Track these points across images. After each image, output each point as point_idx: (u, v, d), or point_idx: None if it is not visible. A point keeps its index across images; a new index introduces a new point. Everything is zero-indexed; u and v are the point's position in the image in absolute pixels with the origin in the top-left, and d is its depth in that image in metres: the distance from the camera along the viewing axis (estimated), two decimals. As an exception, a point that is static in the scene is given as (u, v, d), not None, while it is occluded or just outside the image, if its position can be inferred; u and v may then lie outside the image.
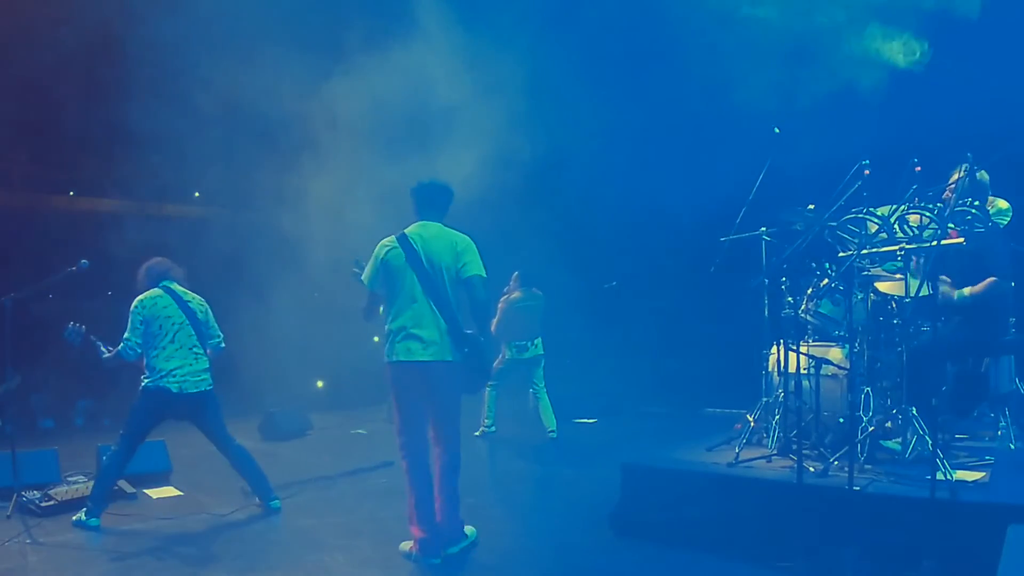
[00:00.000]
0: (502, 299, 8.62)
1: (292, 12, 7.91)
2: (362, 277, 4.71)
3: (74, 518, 5.39)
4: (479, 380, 4.71)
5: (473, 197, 8.41)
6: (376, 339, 12.49)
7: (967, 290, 4.96)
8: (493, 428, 8.71)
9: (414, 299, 4.53)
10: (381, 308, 4.74)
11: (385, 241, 4.64)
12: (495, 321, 8.38)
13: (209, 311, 5.80)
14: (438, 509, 4.70)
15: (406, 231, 4.64)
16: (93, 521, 5.33)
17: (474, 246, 4.62)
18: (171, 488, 6.51)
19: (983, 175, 5.07)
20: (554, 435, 8.40)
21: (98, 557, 4.83)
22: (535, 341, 8.50)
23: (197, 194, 11.68)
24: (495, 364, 8.57)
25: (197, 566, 4.69)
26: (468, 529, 4.92)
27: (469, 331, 4.59)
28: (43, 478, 6.08)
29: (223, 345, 5.81)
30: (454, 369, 4.56)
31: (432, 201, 4.72)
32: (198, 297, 5.80)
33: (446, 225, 4.74)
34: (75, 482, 6.05)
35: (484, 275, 4.58)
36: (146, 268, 5.75)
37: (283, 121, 8.47)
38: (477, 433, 8.67)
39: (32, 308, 10.22)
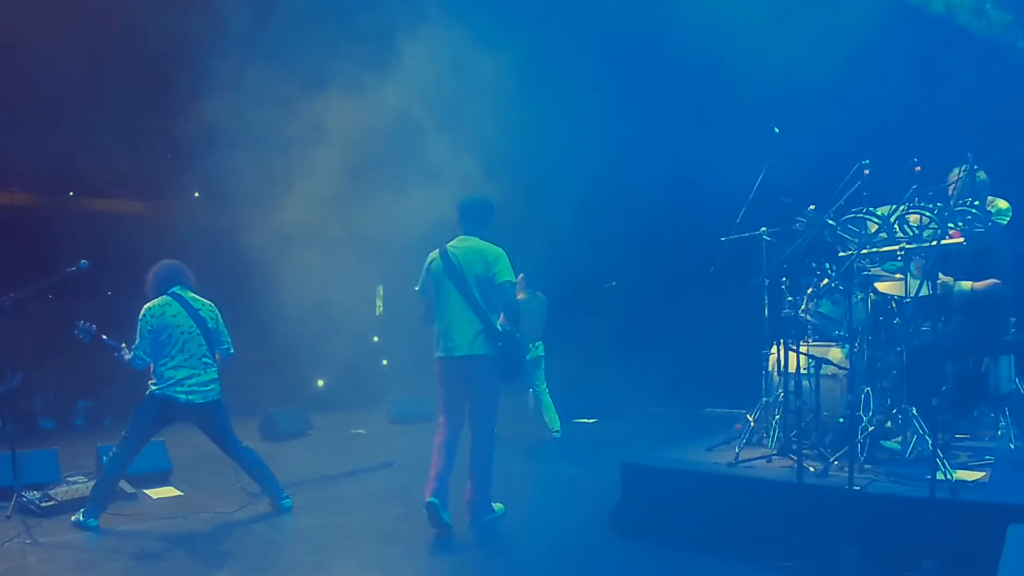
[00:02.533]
0: None
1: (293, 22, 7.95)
2: (416, 286, 5.41)
3: (73, 518, 5.39)
4: (513, 371, 5.27)
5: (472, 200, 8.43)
6: (376, 339, 12.53)
7: (968, 284, 4.94)
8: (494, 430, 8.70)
9: (451, 303, 5.19)
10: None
11: (431, 254, 5.32)
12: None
13: (219, 318, 5.72)
14: (468, 487, 5.28)
15: (448, 245, 5.29)
16: (92, 522, 5.32)
17: (504, 256, 5.20)
18: (171, 488, 6.50)
19: (980, 174, 5.06)
20: (558, 435, 8.42)
21: (98, 557, 4.83)
22: (536, 343, 8.50)
23: (197, 194, 11.68)
24: None
25: (197, 566, 4.68)
26: (496, 505, 5.42)
27: (504, 328, 5.22)
28: (43, 478, 6.06)
29: (232, 352, 5.75)
30: (488, 362, 5.18)
31: (471, 216, 5.31)
32: (209, 303, 5.72)
33: (486, 237, 5.31)
34: (75, 482, 6.04)
35: (514, 280, 5.22)
36: (154, 273, 5.63)
37: (282, 124, 8.48)
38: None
39: (32, 308, 10.23)
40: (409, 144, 8.35)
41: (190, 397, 5.44)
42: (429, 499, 5.08)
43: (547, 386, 8.59)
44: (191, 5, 7.97)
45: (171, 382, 5.40)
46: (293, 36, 7.96)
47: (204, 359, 5.55)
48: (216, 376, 5.60)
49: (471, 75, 7.98)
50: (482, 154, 8.12)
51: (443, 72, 7.93)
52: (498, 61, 7.95)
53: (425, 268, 5.31)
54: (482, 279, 5.14)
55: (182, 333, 5.48)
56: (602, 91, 9.31)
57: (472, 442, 5.30)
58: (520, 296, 8.56)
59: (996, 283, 4.88)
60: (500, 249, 5.21)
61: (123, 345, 5.43)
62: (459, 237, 5.31)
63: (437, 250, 5.28)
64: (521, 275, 8.68)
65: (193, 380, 5.46)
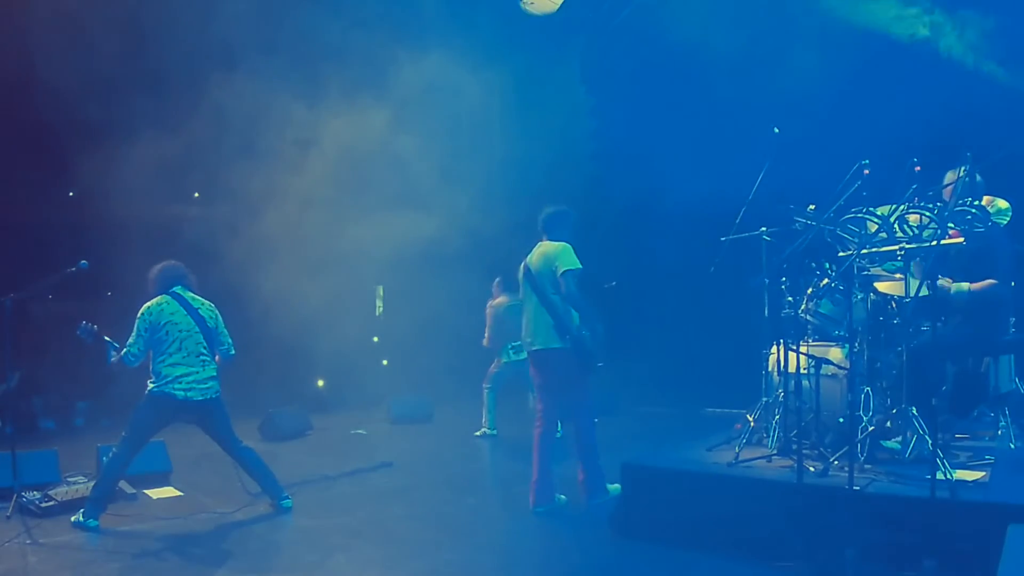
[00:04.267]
0: (489, 306, 8.69)
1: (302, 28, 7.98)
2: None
3: (73, 519, 5.39)
4: (586, 362, 5.54)
5: (474, 200, 8.45)
6: (376, 339, 12.52)
7: (966, 285, 4.94)
8: (494, 431, 8.68)
9: (530, 303, 5.67)
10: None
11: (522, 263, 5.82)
12: (486, 330, 8.56)
13: (219, 318, 5.74)
14: (580, 470, 5.61)
15: (529, 255, 5.75)
16: (91, 522, 5.32)
17: (565, 250, 5.53)
18: (171, 488, 6.50)
19: (976, 177, 5.05)
20: (559, 435, 8.32)
21: (98, 557, 4.83)
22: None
23: (197, 195, 11.67)
24: (492, 368, 8.65)
25: (197, 566, 4.69)
26: (612, 487, 5.57)
27: (577, 324, 5.52)
28: (43, 478, 6.06)
29: (233, 352, 5.75)
30: (562, 354, 5.51)
31: (547, 224, 5.75)
32: (208, 303, 5.74)
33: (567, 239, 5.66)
34: (75, 483, 6.04)
35: (574, 268, 5.46)
36: (156, 273, 5.67)
37: (285, 126, 8.48)
38: (477, 434, 8.66)
39: (32, 308, 10.22)
40: (409, 148, 8.35)
41: (188, 394, 5.43)
42: (534, 508, 5.59)
43: None
44: (193, 10, 7.99)
45: (169, 379, 5.40)
46: (297, 40, 7.97)
47: (202, 356, 5.55)
48: (215, 374, 5.60)
49: (471, 76, 8.00)
50: (482, 154, 8.12)
51: (443, 76, 7.95)
52: (497, 62, 7.96)
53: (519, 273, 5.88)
54: (550, 276, 5.54)
55: (180, 331, 5.48)
56: (601, 92, 9.31)
57: (575, 430, 5.65)
58: (500, 300, 8.55)
59: (993, 283, 4.88)
60: (564, 244, 5.58)
61: (118, 349, 5.44)
62: (538, 243, 5.75)
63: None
64: (497, 279, 8.69)
65: (191, 377, 5.46)
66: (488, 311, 8.70)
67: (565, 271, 5.45)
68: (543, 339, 5.57)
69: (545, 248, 5.65)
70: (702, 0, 8.05)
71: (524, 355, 8.24)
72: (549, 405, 5.73)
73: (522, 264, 5.78)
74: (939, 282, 4.96)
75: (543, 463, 5.62)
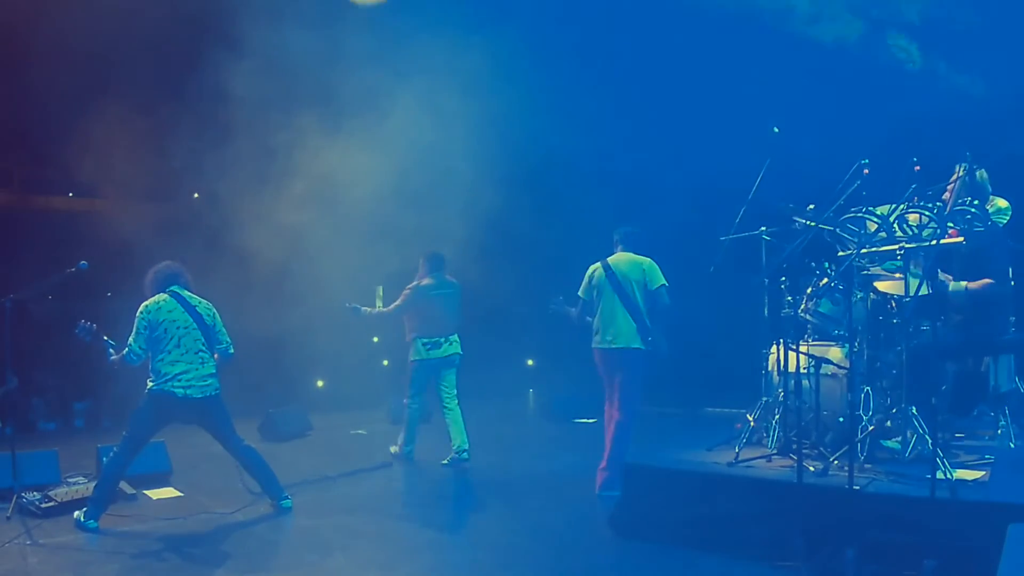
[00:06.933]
0: (409, 286, 7.35)
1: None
2: (579, 291, 6.29)
3: (74, 516, 5.39)
4: (651, 365, 6.07)
5: (473, 198, 8.44)
6: (376, 339, 12.51)
7: (964, 283, 4.94)
8: (409, 448, 7.54)
9: (608, 303, 6.09)
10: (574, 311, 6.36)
11: (594, 265, 6.26)
12: (392, 308, 7.31)
13: (217, 316, 5.74)
14: (605, 457, 6.01)
15: (608, 259, 6.23)
16: (91, 523, 5.31)
17: (656, 265, 6.10)
18: (171, 489, 6.50)
19: (982, 174, 5.06)
20: (466, 456, 7.23)
21: (98, 558, 4.83)
22: (450, 338, 7.35)
23: (196, 195, 11.66)
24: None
25: (197, 566, 4.69)
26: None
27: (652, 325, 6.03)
28: (43, 479, 6.06)
29: (232, 351, 5.74)
30: (640, 354, 6.04)
31: (626, 238, 6.28)
32: (206, 301, 5.75)
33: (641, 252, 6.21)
34: (75, 483, 6.03)
35: (667, 283, 6.06)
36: (153, 273, 5.70)
37: (284, 126, 8.48)
38: (394, 449, 7.67)
39: (32, 309, 10.23)
40: (406, 139, 8.34)
41: (188, 392, 5.43)
42: (598, 493, 5.97)
43: (457, 394, 7.42)
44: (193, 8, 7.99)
45: (168, 377, 5.40)
46: (296, 39, 7.96)
47: (201, 354, 5.54)
48: (214, 371, 5.59)
49: (472, 72, 7.99)
50: (479, 154, 8.12)
51: (438, 66, 7.95)
52: (492, 52, 7.94)
53: (587, 277, 6.26)
54: (640, 285, 6.05)
55: (178, 328, 5.49)
56: (598, 91, 9.30)
57: (618, 422, 6.04)
58: (425, 281, 7.32)
59: (990, 283, 4.88)
60: (651, 260, 6.12)
61: (115, 349, 5.44)
62: (617, 253, 6.25)
63: (599, 263, 6.22)
64: (422, 258, 7.47)
65: (190, 375, 5.46)
66: (406, 291, 7.29)
67: (661, 285, 6.02)
68: (626, 339, 5.99)
69: (633, 258, 6.15)
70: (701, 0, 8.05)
71: (439, 353, 7.25)
72: (612, 398, 6.19)
73: (597, 267, 6.19)
74: (940, 276, 4.97)
75: (614, 451, 5.99)
